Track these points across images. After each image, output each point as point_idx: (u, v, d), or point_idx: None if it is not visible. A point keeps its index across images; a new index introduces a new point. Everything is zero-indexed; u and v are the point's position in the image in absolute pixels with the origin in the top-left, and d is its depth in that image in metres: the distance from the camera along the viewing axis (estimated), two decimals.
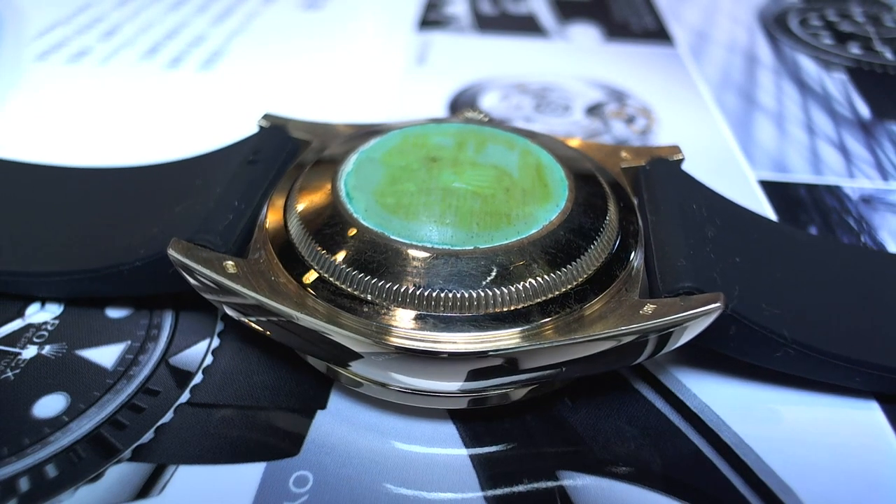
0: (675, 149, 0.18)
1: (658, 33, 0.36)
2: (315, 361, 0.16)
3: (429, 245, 0.14)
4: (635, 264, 0.15)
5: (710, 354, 0.17)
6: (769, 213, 0.22)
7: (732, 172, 0.24)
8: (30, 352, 0.17)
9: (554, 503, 0.14)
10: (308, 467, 0.14)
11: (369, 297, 0.14)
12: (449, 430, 0.15)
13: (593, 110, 0.28)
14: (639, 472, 0.14)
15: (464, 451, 0.15)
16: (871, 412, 0.16)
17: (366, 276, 0.14)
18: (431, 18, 0.36)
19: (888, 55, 0.33)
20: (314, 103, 0.28)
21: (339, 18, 0.36)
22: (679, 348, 0.14)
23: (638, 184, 0.17)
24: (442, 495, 0.14)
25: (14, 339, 0.17)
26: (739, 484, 0.14)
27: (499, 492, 0.14)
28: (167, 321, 0.17)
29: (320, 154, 0.17)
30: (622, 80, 0.30)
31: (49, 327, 0.17)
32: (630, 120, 0.28)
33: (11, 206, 0.19)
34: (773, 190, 0.23)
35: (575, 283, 0.14)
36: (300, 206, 0.15)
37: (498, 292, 0.14)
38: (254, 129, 0.19)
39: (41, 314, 0.18)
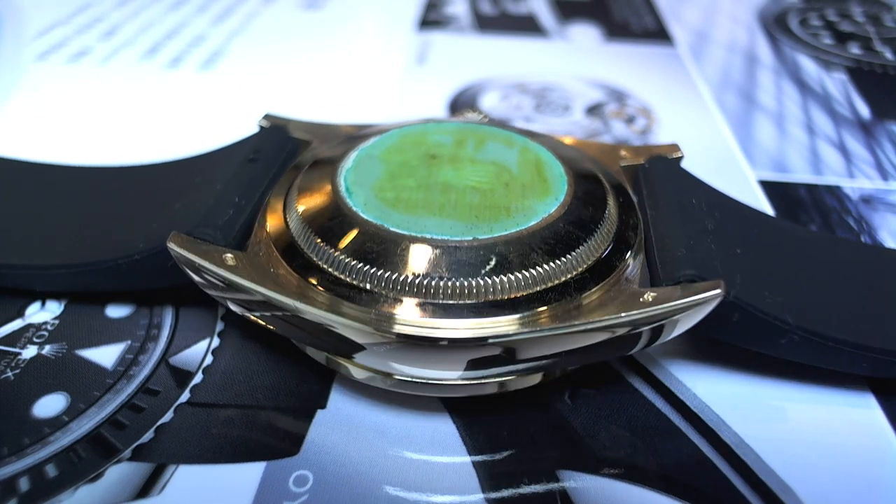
0: (674, 147, 0.18)
1: (658, 33, 0.36)
2: (314, 353, 0.16)
3: (428, 236, 0.14)
4: (635, 255, 0.15)
5: (711, 353, 0.17)
6: (769, 212, 0.22)
7: (732, 172, 0.24)
8: (30, 352, 0.17)
9: (554, 503, 0.14)
10: (308, 467, 0.14)
11: (369, 287, 0.14)
12: (450, 430, 0.15)
13: (593, 110, 0.28)
14: (639, 472, 0.14)
15: (464, 451, 0.15)
16: (871, 412, 0.16)
17: (365, 266, 0.14)
18: (431, 18, 0.36)
19: (888, 55, 0.33)
20: (314, 103, 0.28)
21: (339, 18, 0.36)
22: (680, 347, 0.14)
23: (637, 182, 0.18)
24: (442, 495, 0.14)
25: (14, 339, 0.17)
26: (739, 484, 0.14)
27: (499, 492, 0.14)
28: (167, 321, 0.17)
29: (320, 153, 0.17)
30: (622, 80, 0.30)
31: (49, 327, 0.17)
32: (630, 120, 0.28)
33: (10, 202, 0.19)
34: (773, 190, 0.23)
35: (575, 273, 0.14)
36: (300, 202, 0.15)
37: (497, 280, 0.14)
38: (254, 129, 0.19)
39: (41, 314, 0.18)
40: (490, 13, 0.38)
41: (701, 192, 0.17)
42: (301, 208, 0.15)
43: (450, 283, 0.14)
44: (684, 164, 0.18)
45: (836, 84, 0.31)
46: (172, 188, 0.18)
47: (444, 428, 0.15)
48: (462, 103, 0.28)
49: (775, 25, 0.37)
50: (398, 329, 0.13)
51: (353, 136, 0.18)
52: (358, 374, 0.15)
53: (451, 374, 0.14)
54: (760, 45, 0.35)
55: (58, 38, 0.33)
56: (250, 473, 0.14)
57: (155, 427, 0.15)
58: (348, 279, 0.14)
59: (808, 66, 0.32)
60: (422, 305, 0.14)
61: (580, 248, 0.14)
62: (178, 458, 0.14)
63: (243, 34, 0.34)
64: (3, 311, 0.18)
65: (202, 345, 0.17)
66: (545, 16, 0.37)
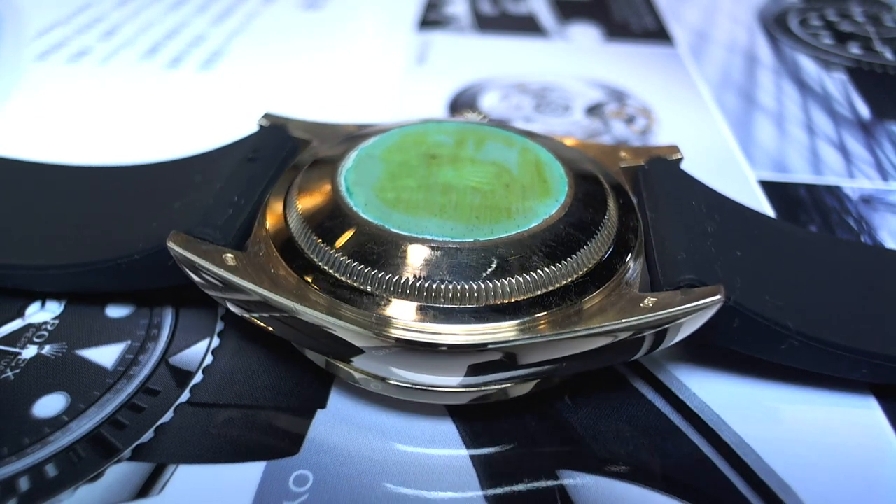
0: (674, 148, 0.18)
1: (658, 33, 0.36)
2: (314, 356, 0.16)
3: (429, 237, 0.14)
4: (636, 258, 0.15)
5: (711, 353, 0.17)
6: (769, 213, 0.22)
7: (732, 172, 0.24)
8: (30, 352, 0.17)
9: (554, 503, 0.14)
10: (308, 466, 0.14)
11: (369, 289, 0.14)
12: (449, 429, 0.15)
13: (593, 110, 0.28)
14: (639, 471, 0.14)
15: (464, 451, 0.15)
16: (870, 412, 0.16)
17: (366, 268, 0.14)
18: (431, 18, 0.36)
19: (888, 55, 0.33)
20: (314, 103, 0.28)
21: (339, 18, 0.36)
22: (681, 347, 0.14)
23: (637, 183, 0.17)
24: (442, 494, 0.14)
25: (14, 338, 0.17)
26: (740, 483, 0.14)
27: (499, 491, 0.14)
28: (167, 321, 0.17)
29: (320, 152, 0.17)
30: (622, 80, 0.30)
31: (49, 327, 0.17)
32: (630, 120, 0.28)
33: (10, 201, 0.19)
34: (773, 190, 0.23)
35: (575, 277, 0.14)
36: (300, 202, 0.15)
37: (498, 284, 0.14)
38: (254, 129, 0.19)
39: (41, 314, 0.18)
40: (490, 13, 0.38)
41: (701, 193, 0.17)
42: (301, 208, 0.15)
43: (451, 287, 0.13)
44: (684, 165, 0.18)
45: (836, 84, 0.31)
46: (172, 188, 0.18)
47: (443, 427, 0.15)
48: (462, 103, 0.28)
49: (775, 25, 0.37)
50: (397, 334, 0.13)
51: (354, 135, 0.18)
52: (357, 379, 0.15)
53: (451, 381, 0.14)
54: (760, 45, 0.35)
55: (58, 38, 0.33)
56: (250, 473, 0.14)
57: (155, 427, 0.15)
58: (348, 281, 0.14)
59: (808, 66, 0.32)
60: (422, 309, 0.13)
61: (581, 250, 0.14)
62: (178, 457, 0.14)
63: (243, 34, 0.34)
64: (3, 311, 0.18)
65: (202, 345, 0.17)
66: (545, 16, 0.37)
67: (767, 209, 0.22)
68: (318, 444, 0.15)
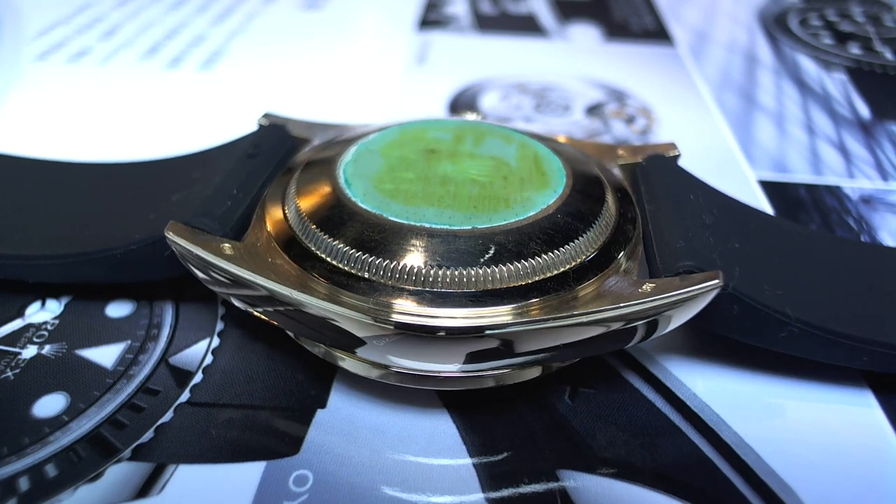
0: (672, 146, 0.18)
1: (658, 33, 0.36)
2: (311, 346, 0.16)
3: (427, 225, 0.14)
4: (634, 247, 0.15)
5: (711, 353, 0.17)
6: (769, 212, 0.22)
7: (732, 172, 0.24)
8: (30, 351, 0.17)
9: (554, 502, 0.14)
10: (308, 466, 0.14)
11: (367, 275, 0.14)
12: (449, 429, 0.15)
13: (593, 110, 0.28)
14: (639, 471, 0.14)
15: (464, 450, 0.15)
16: (870, 412, 0.16)
17: (363, 255, 0.14)
18: (431, 18, 0.36)
19: (888, 55, 0.33)
20: (314, 103, 0.28)
21: (339, 18, 0.36)
22: (680, 345, 0.14)
23: (635, 179, 0.18)
24: (441, 495, 0.14)
25: (14, 338, 0.17)
26: (740, 483, 0.14)
27: (499, 491, 0.14)
28: (167, 320, 0.17)
29: (319, 148, 0.18)
30: (622, 80, 0.30)
31: (49, 327, 0.17)
32: (630, 120, 0.28)
33: (8, 196, 0.19)
34: (773, 190, 0.23)
35: (573, 264, 0.14)
36: (298, 193, 0.16)
37: (496, 269, 0.14)
38: (253, 129, 0.19)
39: (41, 314, 0.18)
40: (490, 13, 0.38)
41: (698, 188, 0.17)
42: (299, 199, 0.15)
43: (448, 272, 0.14)
44: (684, 164, 0.18)
45: (836, 84, 0.31)
46: (170, 183, 0.18)
47: (443, 427, 0.15)
48: (462, 103, 0.28)
49: (775, 25, 0.37)
50: (396, 318, 0.13)
51: (353, 134, 0.18)
52: (355, 367, 0.15)
53: (449, 367, 0.14)
54: (760, 45, 0.35)
55: (58, 38, 0.33)
56: (250, 473, 0.14)
57: (155, 427, 0.15)
58: (346, 268, 0.14)
59: (808, 66, 0.32)
60: (420, 294, 0.14)
61: (579, 238, 0.14)
62: (178, 457, 0.14)
63: (243, 34, 0.34)
64: (3, 310, 0.18)
65: (202, 344, 0.17)
66: (545, 16, 0.37)
67: (767, 209, 0.22)
68: (318, 444, 0.15)
